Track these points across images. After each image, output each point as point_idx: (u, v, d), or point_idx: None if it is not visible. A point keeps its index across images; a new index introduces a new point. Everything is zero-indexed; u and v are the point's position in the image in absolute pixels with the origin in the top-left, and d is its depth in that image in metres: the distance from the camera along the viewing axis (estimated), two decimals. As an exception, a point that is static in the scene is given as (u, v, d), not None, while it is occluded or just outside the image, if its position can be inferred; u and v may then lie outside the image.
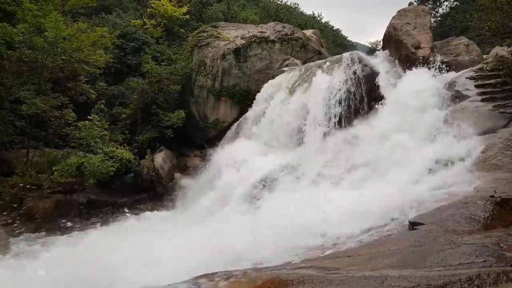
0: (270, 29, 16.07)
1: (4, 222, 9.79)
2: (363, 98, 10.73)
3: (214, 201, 10.32)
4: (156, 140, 13.89)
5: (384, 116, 9.72)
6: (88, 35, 12.95)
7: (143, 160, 12.91)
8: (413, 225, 4.62)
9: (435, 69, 10.30)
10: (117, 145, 12.58)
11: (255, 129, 12.47)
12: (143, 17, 20.59)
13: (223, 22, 19.00)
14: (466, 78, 9.85)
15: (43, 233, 9.51)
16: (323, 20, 38.91)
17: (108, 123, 13.23)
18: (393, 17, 12.60)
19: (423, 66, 10.43)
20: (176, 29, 19.80)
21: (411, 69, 10.47)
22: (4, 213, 9.94)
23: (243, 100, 14.37)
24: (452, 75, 10.43)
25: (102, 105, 14.01)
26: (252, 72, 14.83)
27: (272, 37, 15.43)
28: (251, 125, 12.84)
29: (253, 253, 5.49)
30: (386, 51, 12.50)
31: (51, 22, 11.48)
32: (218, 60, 15.03)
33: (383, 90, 10.58)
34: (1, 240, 8.42)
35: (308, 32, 17.36)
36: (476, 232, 3.97)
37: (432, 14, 29.25)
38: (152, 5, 19.27)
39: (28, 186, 10.63)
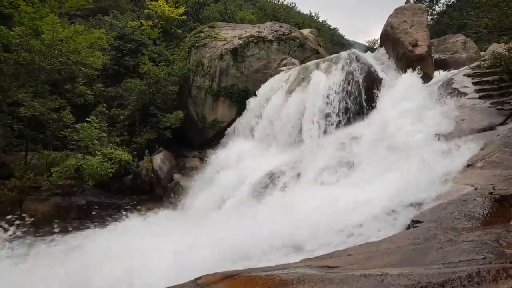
0: (267, 29, 16.07)
1: (3, 225, 9.76)
2: (362, 97, 10.73)
3: (213, 201, 10.32)
4: (154, 141, 13.88)
5: (383, 115, 9.71)
6: (85, 37, 12.95)
7: (142, 161, 12.90)
8: (412, 223, 4.62)
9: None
10: (116, 147, 12.57)
11: (253, 129, 12.47)
12: (140, 18, 20.57)
13: (220, 23, 19.00)
14: (464, 75, 9.88)
15: (43, 235, 9.49)
16: (320, 19, 38.90)
17: (106, 124, 13.21)
18: (390, 15, 12.62)
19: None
20: (173, 30, 19.80)
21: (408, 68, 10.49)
22: (3, 216, 9.90)
23: (242, 100, 14.35)
24: (449, 73, 10.47)
25: (104, 108, 14.01)
26: (250, 72, 14.83)
27: (269, 37, 15.44)
28: (249, 125, 12.85)
29: (253, 252, 5.50)
30: (381, 50, 12.56)
31: (48, 24, 11.47)
32: (216, 60, 15.03)
33: (382, 89, 10.59)
34: (2, 243, 8.39)
35: (306, 32, 17.38)
36: (476, 229, 3.98)
37: (429, 12, 29.36)
38: (149, 6, 19.27)
39: (27, 189, 10.62)
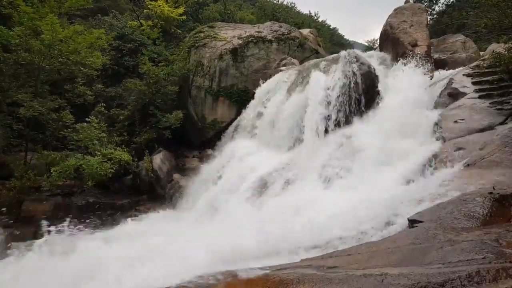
0: (267, 29, 16.07)
1: (3, 226, 9.77)
2: (361, 96, 10.72)
3: (213, 201, 10.32)
4: (154, 141, 13.87)
5: (382, 115, 9.73)
6: (84, 37, 12.95)
7: (142, 161, 12.89)
8: (412, 223, 4.61)
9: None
10: (115, 147, 12.57)
11: (253, 129, 12.47)
12: (139, 18, 20.56)
13: (220, 23, 18.99)
14: (463, 75, 9.89)
15: (43, 236, 9.47)
16: (320, 19, 38.87)
17: (106, 125, 13.21)
18: (390, 15, 12.62)
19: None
20: (173, 30, 19.79)
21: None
22: (3, 217, 9.91)
23: (241, 100, 14.36)
24: (448, 72, 10.48)
25: (103, 107, 14.01)
26: (249, 72, 14.83)
27: (269, 37, 15.43)
28: (249, 125, 12.85)
29: (255, 251, 5.50)
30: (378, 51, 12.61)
31: (48, 24, 11.46)
32: (216, 60, 15.02)
33: (381, 88, 10.61)
34: (2, 244, 8.39)
35: (305, 31, 17.38)
36: (475, 229, 3.97)
37: (429, 12, 29.36)
38: (148, 6, 19.27)
39: (27, 189, 10.62)
